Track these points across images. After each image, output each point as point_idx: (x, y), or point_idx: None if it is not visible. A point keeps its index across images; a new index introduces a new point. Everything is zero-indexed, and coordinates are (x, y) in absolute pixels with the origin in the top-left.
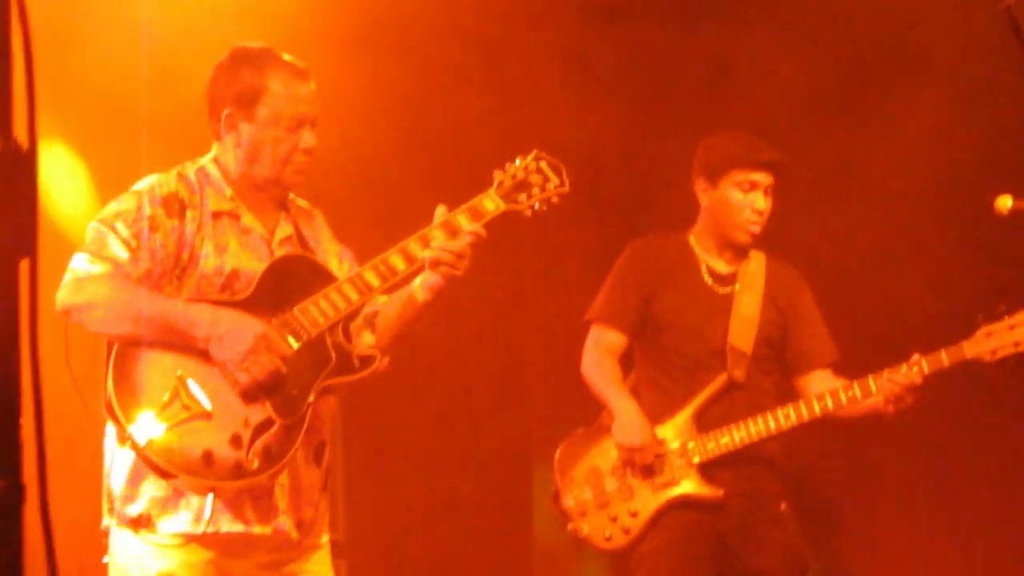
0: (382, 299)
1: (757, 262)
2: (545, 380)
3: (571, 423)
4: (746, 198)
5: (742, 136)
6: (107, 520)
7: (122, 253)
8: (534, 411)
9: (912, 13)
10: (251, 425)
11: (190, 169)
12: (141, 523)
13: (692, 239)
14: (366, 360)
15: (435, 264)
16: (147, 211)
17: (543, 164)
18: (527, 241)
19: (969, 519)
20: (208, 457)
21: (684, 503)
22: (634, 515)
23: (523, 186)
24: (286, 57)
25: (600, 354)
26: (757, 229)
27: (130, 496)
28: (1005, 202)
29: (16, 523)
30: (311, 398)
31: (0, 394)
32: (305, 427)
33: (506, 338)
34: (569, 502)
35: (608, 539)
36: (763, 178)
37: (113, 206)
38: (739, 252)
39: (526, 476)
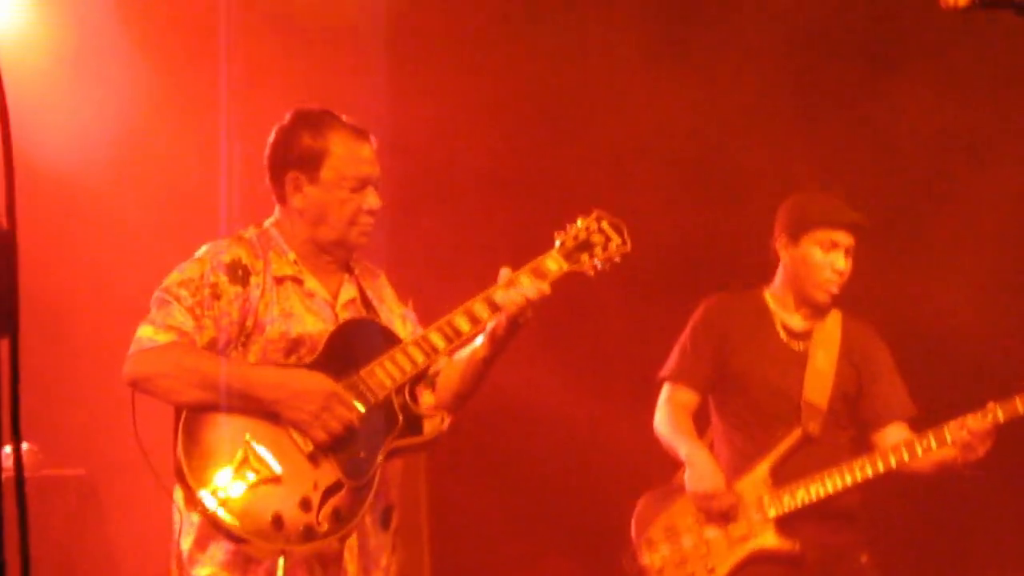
0: (442, 359)
1: (833, 320)
2: (617, 437)
3: (645, 477)
4: (827, 257)
5: (827, 196)
6: None
7: (187, 322)
8: (607, 469)
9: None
10: (320, 488)
11: (252, 233)
12: None
13: (768, 295)
14: (432, 422)
15: (508, 314)
16: (210, 279)
17: (604, 224)
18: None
19: None
20: (278, 520)
21: (761, 557)
22: (711, 571)
23: (585, 246)
24: (345, 119)
25: (672, 409)
26: (835, 289)
27: (197, 560)
28: None
29: None
30: (380, 459)
31: None
32: (374, 490)
33: (574, 393)
34: (646, 560)
35: None
36: (844, 239)
37: (175, 275)
38: (816, 310)
39: (601, 535)
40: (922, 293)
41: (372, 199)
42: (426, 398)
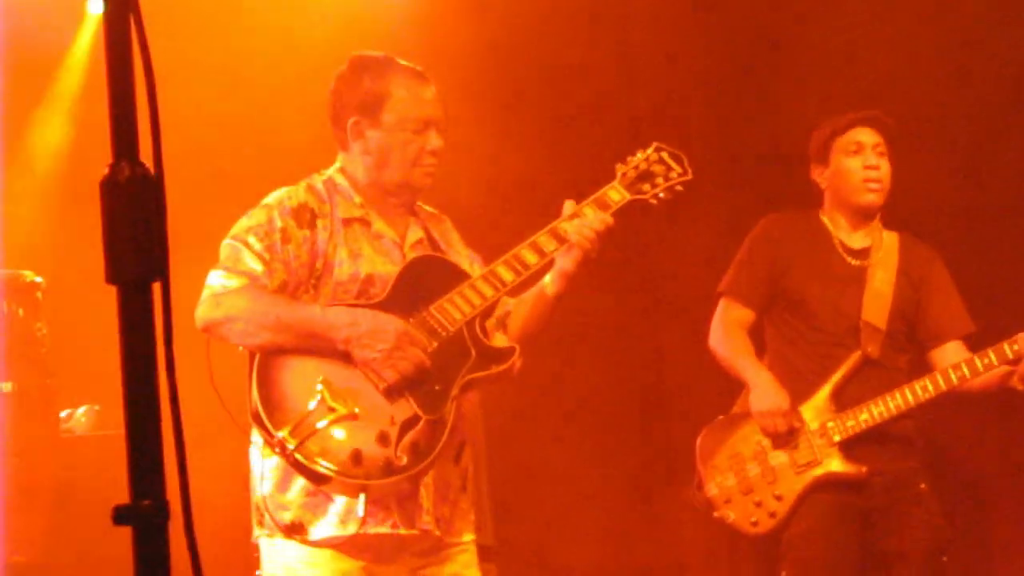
0: (511, 301)
1: (890, 240)
2: (679, 364)
3: (708, 406)
4: (856, 160)
5: (841, 113)
6: (257, 532)
7: (257, 266)
8: (671, 397)
9: None
10: (397, 423)
11: (317, 180)
12: (294, 530)
13: (824, 217)
14: (505, 354)
15: (569, 238)
16: (278, 223)
17: (664, 155)
18: (654, 227)
19: None
20: (357, 456)
21: (828, 483)
22: (779, 499)
23: (646, 176)
24: (404, 63)
25: (729, 328)
26: (877, 185)
27: (281, 504)
28: None
29: (163, 540)
30: (455, 392)
31: (141, 416)
32: (451, 423)
33: (637, 324)
34: (713, 490)
35: (755, 524)
36: (867, 136)
37: (244, 221)
38: (869, 220)
39: (667, 465)
40: (982, 209)
41: (435, 140)
42: (498, 339)
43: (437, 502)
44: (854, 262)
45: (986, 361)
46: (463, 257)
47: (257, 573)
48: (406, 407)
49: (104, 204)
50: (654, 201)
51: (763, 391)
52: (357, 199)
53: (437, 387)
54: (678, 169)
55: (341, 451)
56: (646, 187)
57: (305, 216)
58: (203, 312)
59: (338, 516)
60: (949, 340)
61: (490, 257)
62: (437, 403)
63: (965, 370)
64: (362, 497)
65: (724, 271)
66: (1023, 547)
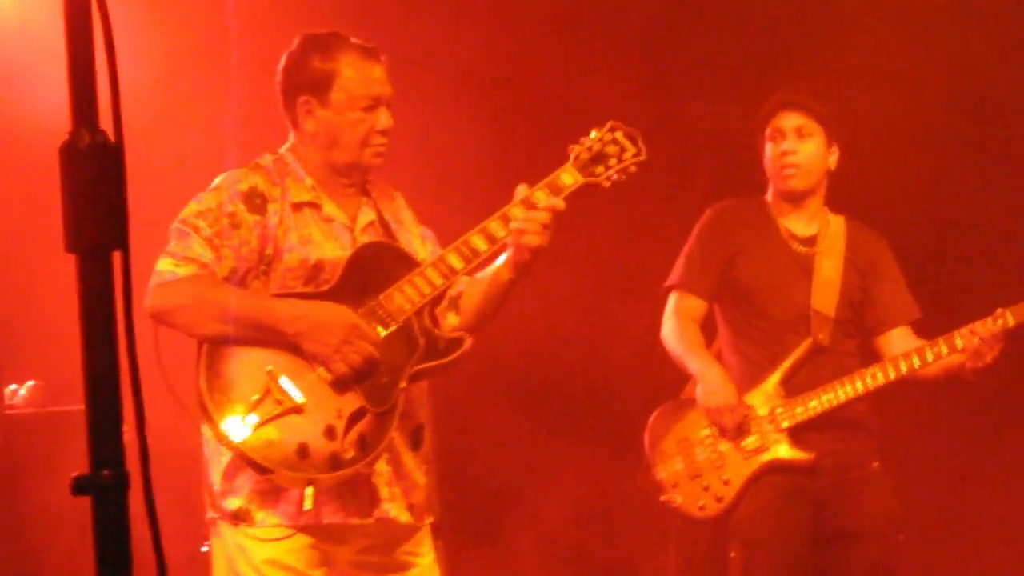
0: (464, 279)
1: (837, 226)
2: (629, 351)
3: (658, 390)
4: (776, 147)
5: (775, 93)
6: (210, 513)
7: (206, 253)
8: (620, 381)
9: None
10: (344, 416)
11: (268, 160)
12: (240, 517)
13: (769, 200)
14: (454, 343)
15: (519, 235)
16: (228, 208)
17: (619, 135)
18: (606, 211)
19: None
20: (303, 450)
21: (776, 468)
22: (727, 483)
23: (600, 158)
24: (354, 40)
25: (680, 320)
26: (792, 171)
27: (228, 490)
28: None
29: (123, 511)
30: (402, 384)
31: (101, 386)
32: (399, 413)
33: (586, 308)
34: (661, 474)
35: (702, 508)
36: (786, 121)
37: (193, 205)
38: (799, 205)
39: (615, 448)
40: (928, 195)
41: (384, 118)
42: (450, 320)
43: (406, 489)
44: (801, 249)
45: (936, 351)
46: (415, 236)
47: (204, 548)
48: (354, 400)
49: (64, 171)
50: (607, 183)
51: (711, 386)
52: (308, 181)
53: (385, 379)
54: (632, 149)
55: (287, 444)
56: (599, 169)
57: (255, 200)
58: (152, 300)
59: (290, 506)
60: (896, 326)
61: (443, 236)
62: (385, 395)
63: (915, 360)
64: (309, 490)
65: (674, 254)
66: (981, 526)
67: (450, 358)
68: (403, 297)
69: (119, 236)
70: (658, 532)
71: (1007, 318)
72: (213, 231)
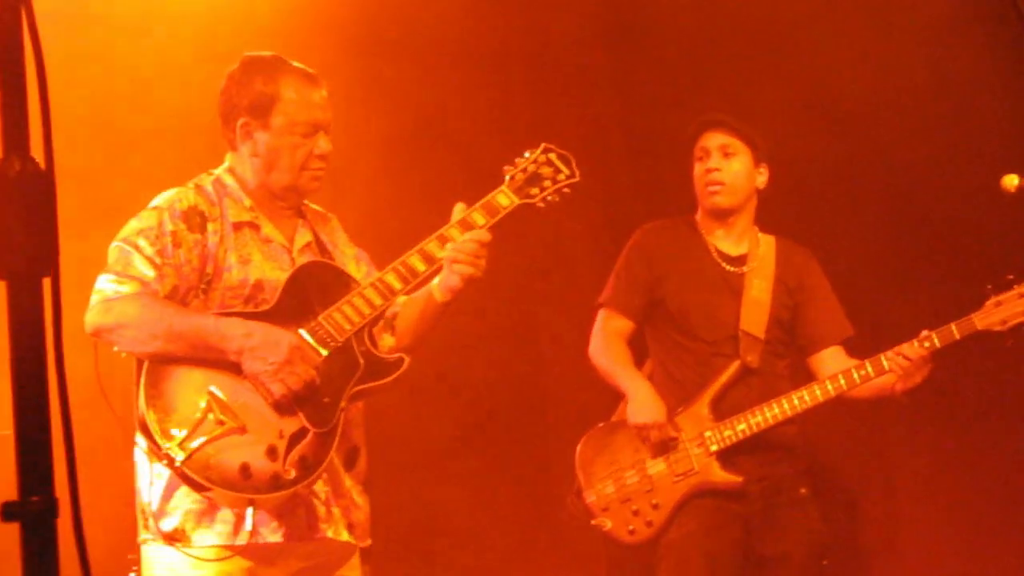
0: (401, 299)
1: (767, 245)
2: (560, 371)
3: (588, 413)
4: (701, 166)
5: (703, 112)
6: (143, 535)
7: (148, 271)
8: (551, 404)
9: None
10: (286, 436)
11: (206, 181)
12: (176, 537)
13: (698, 219)
14: (394, 364)
15: (454, 262)
16: (168, 227)
17: (552, 156)
18: (535, 232)
19: (990, 506)
20: (246, 470)
21: (705, 491)
22: (656, 507)
23: (534, 179)
24: (296, 64)
25: (608, 338)
26: (716, 188)
27: (164, 511)
28: (1012, 180)
29: (51, 537)
30: (343, 404)
31: (30, 411)
32: (338, 435)
33: (519, 331)
34: (591, 497)
35: (632, 532)
36: (710, 140)
37: (134, 224)
38: (723, 222)
39: (546, 471)
40: (850, 216)
41: (323, 144)
42: (386, 340)
43: (346, 508)
44: (730, 269)
45: (863, 373)
46: (349, 258)
47: (131, 575)
48: (295, 420)
49: None
50: (541, 205)
51: (640, 403)
52: (247, 201)
53: (326, 399)
54: (566, 171)
55: (229, 465)
56: (534, 191)
57: (195, 219)
58: (93, 318)
59: (227, 526)
60: (827, 346)
61: (378, 256)
62: (326, 416)
63: (842, 381)
64: (250, 511)
65: (603, 272)
66: (903, 549)
67: (390, 378)
68: (343, 317)
69: (49, 262)
70: (589, 557)
71: (933, 340)
72: (155, 249)
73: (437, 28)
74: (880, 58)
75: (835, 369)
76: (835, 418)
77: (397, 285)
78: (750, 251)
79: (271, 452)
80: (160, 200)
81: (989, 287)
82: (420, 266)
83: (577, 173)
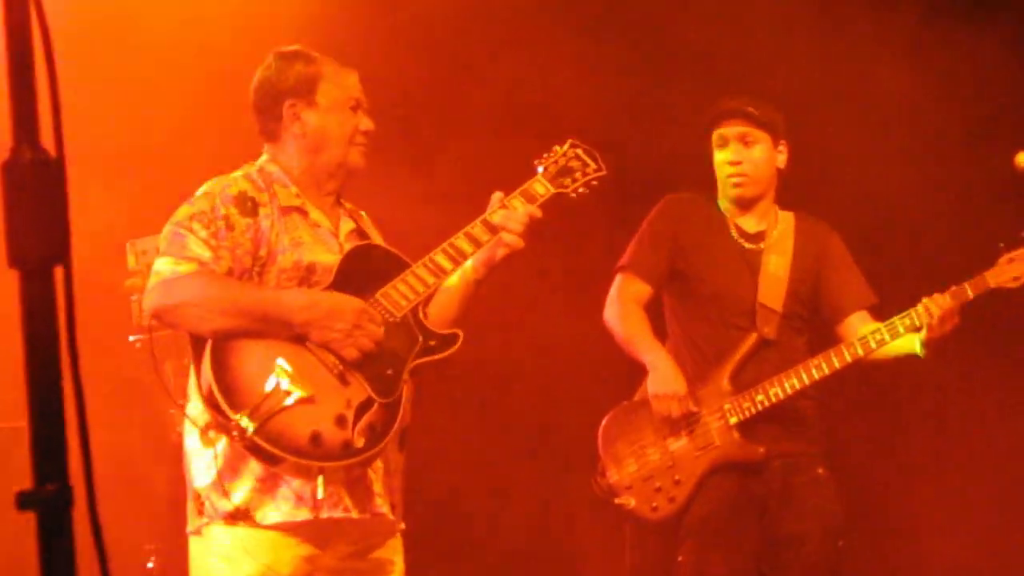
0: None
1: (785, 222)
2: (572, 358)
3: (603, 396)
4: (721, 155)
5: (722, 98)
6: (196, 521)
7: (204, 252)
8: (565, 388)
9: None
10: (353, 405)
11: (253, 169)
12: (239, 516)
13: (720, 200)
14: (449, 339)
15: (504, 229)
16: (221, 211)
17: (579, 151)
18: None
19: (1008, 490)
20: (316, 438)
21: (726, 464)
22: (678, 483)
23: (566, 171)
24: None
25: (625, 305)
26: (739, 179)
27: (227, 490)
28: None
29: (67, 526)
30: (405, 376)
31: (44, 400)
32: (403, 407)
33: (531, 319)
34: (615, 477)
35: (655, 509)
36: (730, 130)
37: (186, 208)
38: (749, 209)
39: (564, 452)
40: (864, 183)
41: (366, 121)
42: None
43: (391, 487)
44: (749, 246)
45: (879, 338)
46: None
47: (149, 564)
48: (360, 390)
49: (5, 188)
50: (574, 195)
51: (661, 375)
52: (293, 189)
53: (389, 371)
54: (593, 165)
55: (301, 433)
56: (567, 181)
57: (247, 204)
58: (153, 299)
59: (290, 501)
60: (852, 312)
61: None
62: (391, 386)
63: (859, 348)
64: (320, 479)
65: (613, 251)
66: (920, 529)
67: (446, 353)
68: (399, 294)
69: (61, 251)
70: (612, 537)
71: (966, 290)
72: (208, 232)
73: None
74: (868, 54)
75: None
76: (853, 399)
77: (447, 265)
78: (768, 228)
79: (340, 420)
80: (209, 186)
81: (1002, 245)
82: (468, 248)
83: (604, 167)
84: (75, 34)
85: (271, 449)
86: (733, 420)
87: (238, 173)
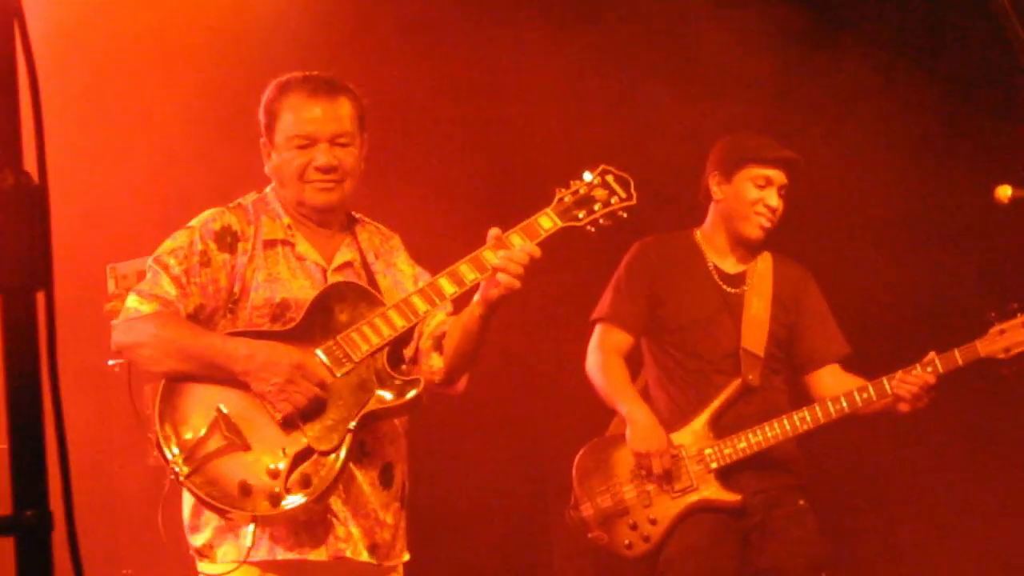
0: (448, 319)
1: (764, 263)
2: (556, 387)
3: (582, 429)
4: (760, 194)
5: (760, 135)
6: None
7: (171, 290)
8: (546, 420)
9: None
10: (289, 455)
11: (249, 199)
12: (203, 553)
13: (699, 236)
14: (407, 385)
15: (501, 271)
16: (199, 246)
17: (609, 178)
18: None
19: (986, 520)
20: (245, 488)
21: (704, 508)
22: (654, 522)
23: (585, 202)
24: (314, 77)
25: (607, 356)
26: (768, 224)
27: (195, 527)
28: (1005, 191)
29: (46, 551)
30: (351, 425)
31: (24, 426)
32: (348, 455)
33: (517, 347)
34: (589, 511)
35: (629, 547)
36: (777, 176)
37: (167, 243)
38: (748, 250)
39: (541, 486)
40: (853, 231)
41: (321, 156)
42: (434, 360)
43: (369, 528)
44: (729, 290)
45: (865, 396)
46: (407, 277)
47: None
48: (299, 439)
49: None
50: (591, 228)
51: (641, 430)
52: (285, 219)
53: (331, 420)
54: (622, 194)
55: (230, 482)
56: (581, 214)
57: (227, 239)
58: (116, 336)
59: (245, 541)
60: (825, 364)
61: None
62: (331, 436)
63: (844, 403)
64: (251, 528)
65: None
66: (902, 559)
67: (402, 400)
68: (361, 338)
69: (43, 276)
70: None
71: (936, 365)
72: (182, 268)
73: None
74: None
75: (834, 387)
76: (834, 430)
77: (422, 307)
78: (748, 269)
79: (271, 470)
80: (196, 220)
81: (992, 315)
82: (449, 288)
83: (635, 196)
84: (58, 51)
85: (201, 495)
86: (713, 466)
87: (233, 204)
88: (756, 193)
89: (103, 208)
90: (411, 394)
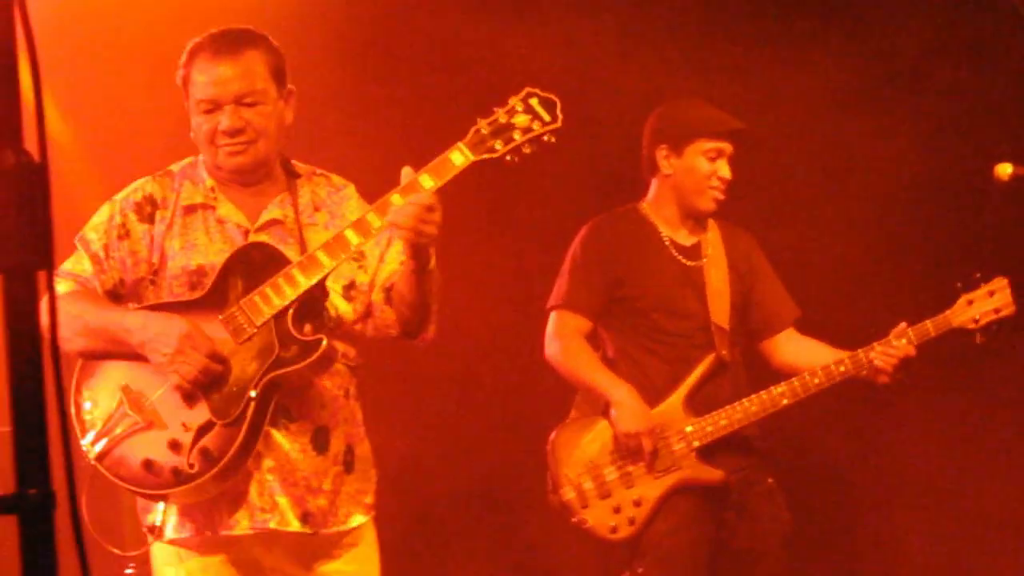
0: (399, 269)
1: (713, 232)
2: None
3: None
4: (712, 166)
5: (703, 105)
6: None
7: (87, 267)
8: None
9: None
10: (192, 428)
11: (183, 164)
12: (153, 531)
13: (646, 209)
14: (311, 346)
15: (395, 228)
16: (117, 220)
17: (533, 101)
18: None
19: (983, 496)
20: (148, 465)
21: (686, 487)
22: (638, 504)
23: (502, 130)
24: (221, 36)
25: (571, 340)
26: (722, 196)
27: (146, 507)
28: (1005, 169)
29: (49, 530)
30: (252, 393)
31: (26, 405)
32: (247, 426)
33: (505, 324)
34: (570, 494)
35: (613, 530)
36: (727, 147)
37: (92, 218)
38: (698, 222)
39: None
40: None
41: (225, 119)
42: (387, 313)
43: (300, 496)
44: (688, 263)
45: (842, 369)
46: None
47: (128, 570)
48: (202, 411)
49: None
50: (510, 159)
51: (629, 410)
52: (208, 182)
53: (233, 389)
54: (546, 117)
55: (135, 460)
56: (498, 144)
57: (146, 209)
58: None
59: (158, 518)
60: (782, 329)
61: None
62: (230, 407)
63: (822, 376)
64: (161, 505)
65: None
66: (878, 535)
67: (304, 362)
68: (263, 300)
69: (44, 255)
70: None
71: (910, 336)
72: (101, 244)
73: None
74: (864, 52)
75: (796, 353)
76: (826, 406)
77: (327, 262)
78: (702, 240)
79: (174, 445)
80: (121, 192)
81: (959, 285)
82: (354, 239)
83: (560, 118)
84: (60, 32)
85: (111, 477)
86: (696, 444)
87: (166, 169)
88: (709, 166)
89: (101, 197)
90: (314, 355)
